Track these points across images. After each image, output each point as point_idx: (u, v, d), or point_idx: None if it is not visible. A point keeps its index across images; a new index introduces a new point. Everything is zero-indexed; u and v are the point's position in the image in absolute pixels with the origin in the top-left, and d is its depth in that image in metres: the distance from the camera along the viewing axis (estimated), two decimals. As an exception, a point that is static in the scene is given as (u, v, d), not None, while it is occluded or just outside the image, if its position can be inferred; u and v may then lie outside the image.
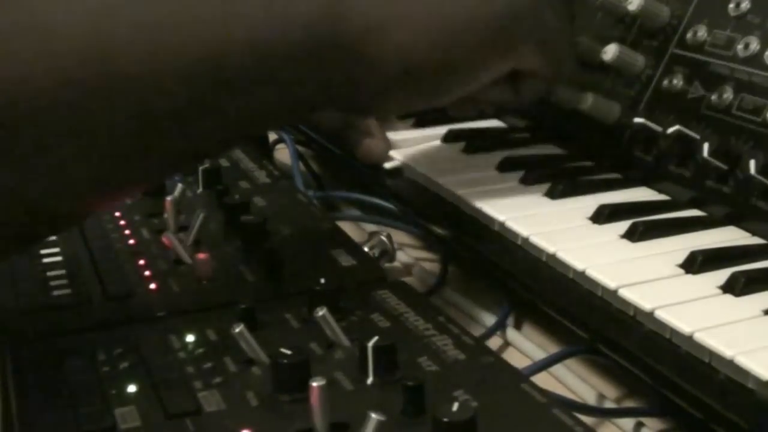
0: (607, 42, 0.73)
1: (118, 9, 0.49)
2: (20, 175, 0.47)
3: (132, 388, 0.47)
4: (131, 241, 0.65)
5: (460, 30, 0.60)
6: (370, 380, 0.47)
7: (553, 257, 0.60)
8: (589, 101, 0.72)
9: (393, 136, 0.83)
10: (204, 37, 0.50)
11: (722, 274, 0.55)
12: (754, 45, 0.64)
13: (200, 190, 0.74)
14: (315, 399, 0.42)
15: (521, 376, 0.48)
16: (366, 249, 0.68)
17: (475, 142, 0.79)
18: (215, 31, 0.51)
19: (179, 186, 0.70)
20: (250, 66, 0.52)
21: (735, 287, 0.53)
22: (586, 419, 0.47)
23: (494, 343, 0.63)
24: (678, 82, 0.69)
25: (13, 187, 0.47)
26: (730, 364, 0.47)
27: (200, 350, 0.51)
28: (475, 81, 0.63)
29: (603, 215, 0.63)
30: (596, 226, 0.63)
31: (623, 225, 0.62)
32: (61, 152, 0.47)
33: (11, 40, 0.45)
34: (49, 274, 0.60)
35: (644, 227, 0.61)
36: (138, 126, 0.49)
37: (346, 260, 0.62)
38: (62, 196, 0.50)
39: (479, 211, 0.67)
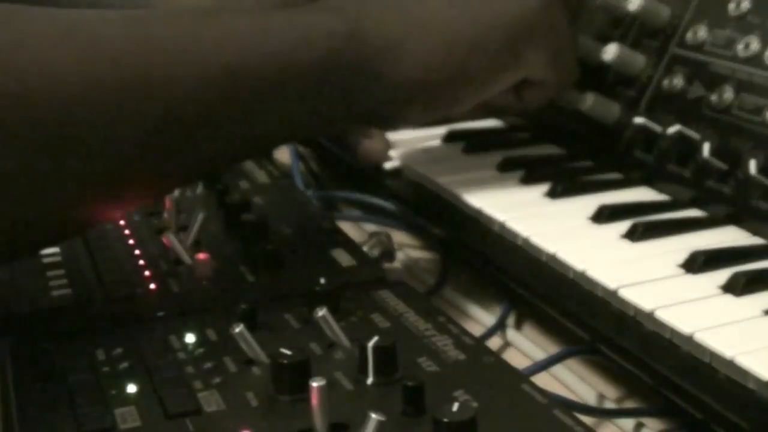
0: (607, 42, 0.73)
1: (151, 20, 0.51)
2: (52, 170, 0.47)
3: (132, 388, 0.47)
4: (131, 241, 0.65)
5: (475, 44, 0.62)
6: (370, 380, 0.47)
7: (553, 257, 0.60)
8: (589, 101, 0.72)
9: (393, 136, 0.83)
10: (228, 49, 0.51)
11: (723, 274, 0.55)
12: (755, 45, 0.64)
13: (200, 190, 0.74)
14: (315, 399, 0.42)
15: (521, 376, 0.48)
16: (366, 249, 0.68)
17: (475, 142, 0.79)
18: (239, 44, 0.52)
19: (179, 186, 0.70)
20: (272, 80, 0.53)
21: (735, 287, 0.53)
22: (586, 419, 0.47)
23: (494, 343, 0.63)
24: (678, 82, 0.69)
25: (44, 183, 0.48)
26: (730, 364, 0.47)
27: (200, 350, 0.51)
28: (488, 91, 0.65)
29: (603, 215, 0.63)
30: (596, 226, 0.63)
31: (623, 225, 0.62)
32: (90, 151, 0.48)
33: (53, 47, 0.47)
34: (49, 274, 0.60)
35: (644, 227, 0.61)
36: (160, 132, 0.50)
37: (346, 260, 0.62)
38: (83, 196, 0.50)
39: (479, 212, 0.67)
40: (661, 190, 0.68)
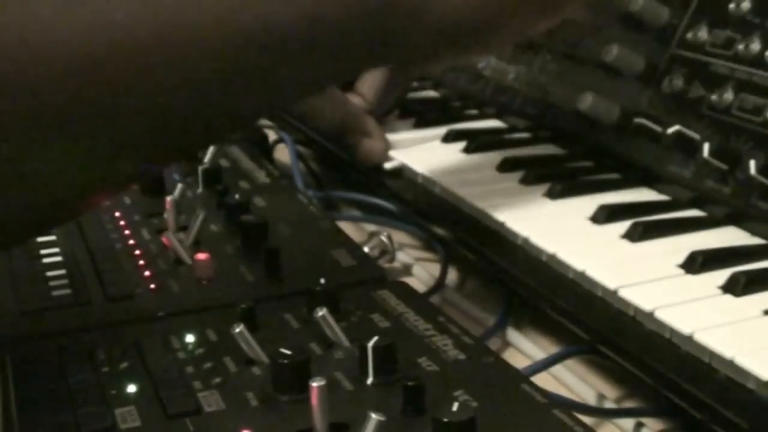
0: (607, 42, 0.73)
1: None
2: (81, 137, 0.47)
3: (132, 388, 0.47)
4: (131, 241, 0.65)
5: None
6: (370, 380, 0.47)
7: (553, 257, 0.60)
8: (589, 101, 0.72)
9: (393, 136, 0.83)
10: (256, 2, 0.50)
11: (722, 274, 0.55)
12: (755, 45, 0.64)
13: (200, 190, 0.74)
14: (315, 399, 0.42)
15: (521, 376, 0.48)
16: (366, 249, 0.68)
17: (475, 142, 0.79)
18: None
19: (179, 186, 0.70)
20: (303, 31, 0.51)
21: (735, 287, 0.53)
22: (586, 419, 0.47)
23: (494, 343, 0.63)
24: (678, 82, 0.69)
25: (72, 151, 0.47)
26: (730, 364, 0.47)
27: (200, 350, 0.51)
28: (522, 35, 0.64)
29: (603, 215, 0.63)
30: (596, 226, 0.63)
31: (623, 225, 0.62)
32: (118, 112, 0.47)
33: (70, 10, 0.45)
34: (49, 274, 0.60)
35: (644, 227, 0.61)
36: (187, 90, 0.49)
37: (346, 260, 0.62)
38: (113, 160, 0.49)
39: (479, 212, 0.67)
40: (661, 190, 0.68)
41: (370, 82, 0.86)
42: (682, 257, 0.57)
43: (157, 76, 0.47)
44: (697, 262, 0.56)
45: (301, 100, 0.80)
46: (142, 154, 0.50)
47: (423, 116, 0.88)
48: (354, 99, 0.85)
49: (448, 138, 0.82)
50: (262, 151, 0.87)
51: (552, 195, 0.68)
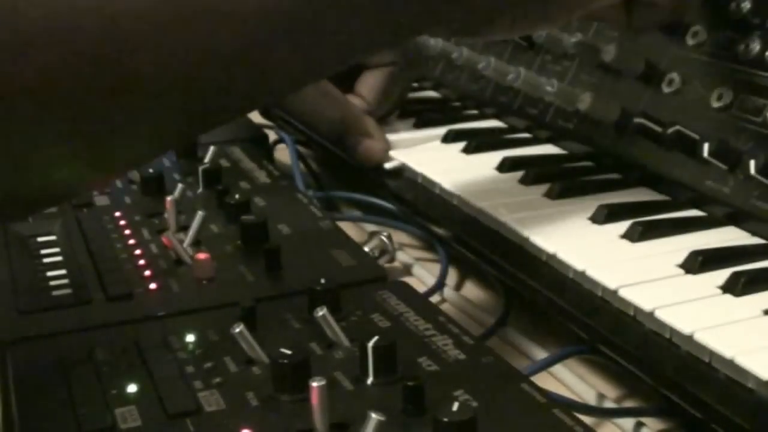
0: (607, 42, 0.73)
1: None
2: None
3: (132, 388, 0.47)
4: (131, 241, 0.65)
5: None
6: (370, 380, 0.47)
7: (553, 257, 0.60)
8: (588, 101, 0.72)
9: (393, 136, 0.83)
10: None
11: (722, 274, 0.55)
12: (755, 45, 0.64)
13: (200, 190, 0.74)
14: (315, 399, 0.42)
15: (521, 376, 0.48)
16: (366, 249, 0.68)
17: (475, 142, 0.79)
18: None
19: (179, 186, 0.70)
20: None
21: (735, 287, 0.53)
22: (586, 419, 0.47)
23: (494, 343, 0.63)
24: (678, 82, 0.69)
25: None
26: (730, 364, 0.47)
27: (200, 350, 0.51)
28: (585, 8, 0.60)
29: (603, 215, 0.63)
30: (596, 226, 0.63)
31: (623, 225, 0.62)
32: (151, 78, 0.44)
33: None
34: (49, 274, 0.60)
35: (644, 227, 0.61)
36: (212, 57, 0.45)
37: (346, 260, 0.62)
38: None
39: (479, 212, 0.67)
40: (660, 190, 0.68)
41: (370, 83, 0.86)
42: (681, 257, 0.57)
43: (176, 43, 0.44)
44: (697, 262, 0.56)
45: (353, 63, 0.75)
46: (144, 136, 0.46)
47: (423, 116, 0.88)
48: (354, 100, 0.85)
49: (448, 138, 0.82)
50: (262, 151, 0.87)
51: (552, 195, 0.68)
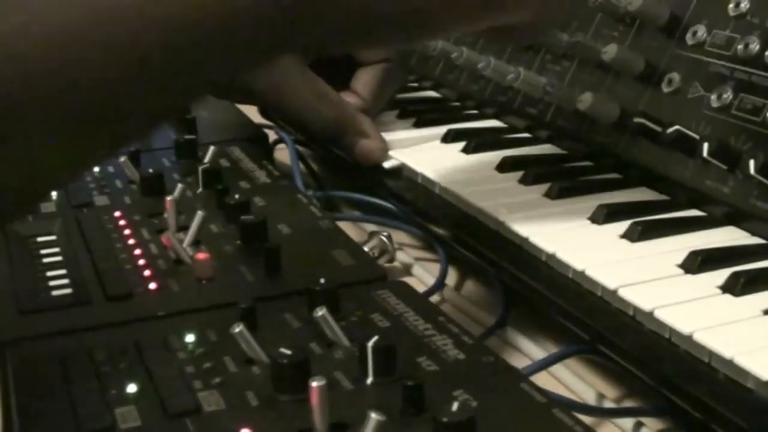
0: (607, 42, 0.73)
1: None
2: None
3: (132, 388, 0.47)
4: (131, 241, 0.65)
5: None
6: (370, 380, 0.47)
7: (553, 257, 0.60)
8: (588, 101, 0.72)
9: (392, 136, 0.83)
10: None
11: (722, 274, 0.55)
12: (754, 45, 0.64)
13: (200, 190, 0.74)
14: (315, 399, 0.42)
15: (521, 376, 0.48)
16: (366, 249, 0.68)
17: (475, 142, 0.79)
18: None
19: (179, 186, 0.70)
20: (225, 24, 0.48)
21: (735, 287, 0.53)
22: (586, 419, 0.47)
23: (494, 343, 0.63)
24: (678, 82, 0.69)
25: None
26: (730, 364, 0.47)
27: (200, 350, 0.51)
28: (446, 34, 0.61)
29: (602, 215, 0.63)
30: (596, 226, 0.63)
31: (623, 225, 0.62)
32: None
33: None
34: (48, 274, 0.60)
35: (644, 227, 0.61)
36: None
37: (346, 260, 0.62)
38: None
39: (479, 211, 0.67)
40: (660, 190, 0.68)
41: (365, 80, 0.86)
42: (681, 257, 0.57)
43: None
44: (697, 262, 0.56)
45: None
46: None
47: (423, 116, 0.88)
48: (349, 98, 0.84)
49: (448, 138, 0.82)
50: (262, 151, 0.87)
51: (551, 195, 0.68)
